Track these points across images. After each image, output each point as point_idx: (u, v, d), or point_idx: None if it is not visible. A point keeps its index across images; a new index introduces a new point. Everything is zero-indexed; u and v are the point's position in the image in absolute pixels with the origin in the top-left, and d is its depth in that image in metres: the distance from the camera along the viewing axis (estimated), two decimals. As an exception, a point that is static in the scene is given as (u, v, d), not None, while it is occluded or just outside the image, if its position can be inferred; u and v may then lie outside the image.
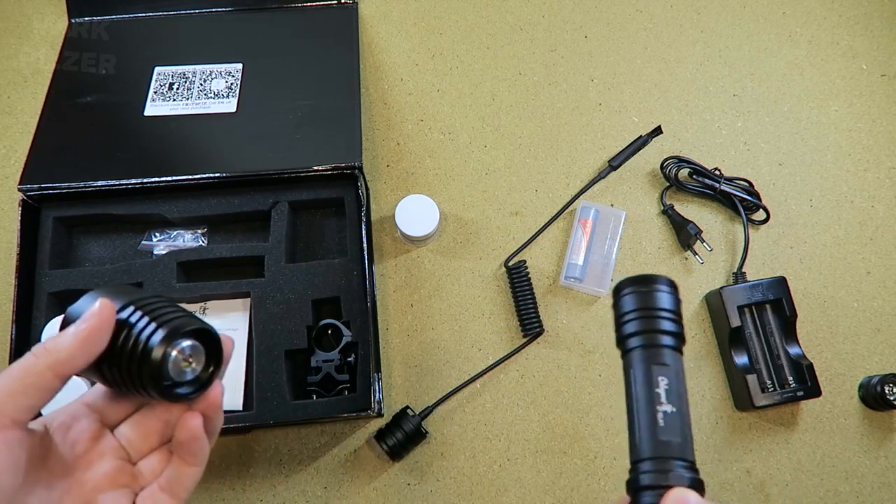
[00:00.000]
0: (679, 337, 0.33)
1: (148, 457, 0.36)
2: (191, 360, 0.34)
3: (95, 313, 0.31)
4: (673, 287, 0.33)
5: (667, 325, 0.32)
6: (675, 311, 0.33)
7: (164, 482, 0.35)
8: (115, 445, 0.35)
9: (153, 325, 0.33)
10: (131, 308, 0.33)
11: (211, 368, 0.36)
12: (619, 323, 0.33)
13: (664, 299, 0.33)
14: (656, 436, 0.30)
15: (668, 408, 0.31)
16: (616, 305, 0.34)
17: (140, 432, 0.35)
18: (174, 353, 0.33)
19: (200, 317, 0.36)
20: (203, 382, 0.36)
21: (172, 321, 0.33)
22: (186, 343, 0.34)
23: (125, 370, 0.33)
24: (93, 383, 0.35)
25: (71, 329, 0.31)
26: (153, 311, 0.34)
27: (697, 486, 0.29)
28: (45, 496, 0.31)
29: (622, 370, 0.33)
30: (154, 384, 0.33)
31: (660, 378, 0.31)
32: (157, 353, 0.32)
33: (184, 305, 0.36)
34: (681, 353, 0.33)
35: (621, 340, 0.33)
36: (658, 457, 0.30)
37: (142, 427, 0.36)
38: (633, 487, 0.30)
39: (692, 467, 0.30)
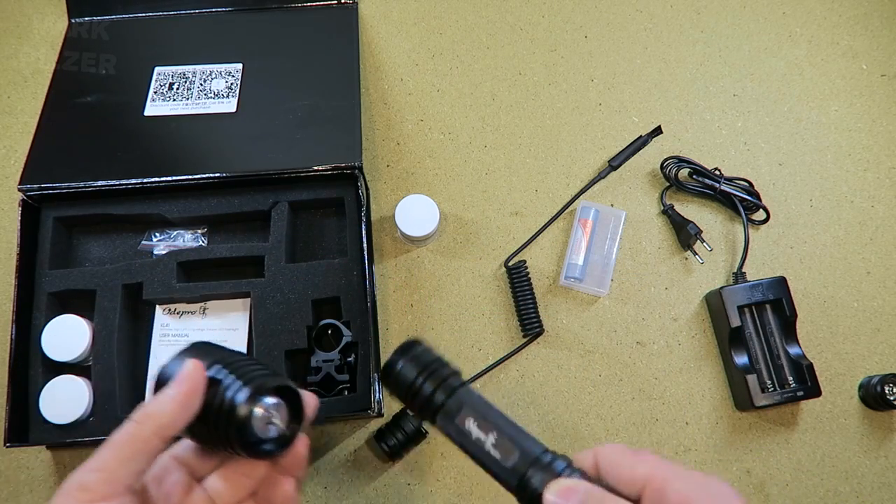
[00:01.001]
0: (454, 375, 0.35)
1: None
2: (274, 416, 0.35)
3: (189, 375, 0.33)
4: (419, 343, 0.36)
5: (443, 372, 0.34)
6: (436, 359, 0.35)
7: None
8: (205, 498, 0.36)
9: (239, 384, 0.34)
10: (218, 366, 0.35)
11: (294, 425, 0.36)
12: (409, 400, 0.35)
13: (424, 357, 0.35)
14: (505, 464, 0.32)
15: (492, 438, 0.32)
16: (396, 387, 0.35)
17: (228, 486, 0.36)
18: (258, 410, 0.34)
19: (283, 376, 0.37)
20: (286, 439, 0.36)
21: (256, 379, 0.34)
22: (270, 400, 0.35)
23: (212, 427, 0.34)
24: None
25: (169, 392, 0.33)
26: (238, 370, 0.35)
27: (566, 466, 0.31)
28: None
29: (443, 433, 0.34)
30: (240, 441, 0.34)
31: (467, 422, 0.33)
32: (242, 410, 0.33)
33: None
34: (464, 384, 0.34)
35: (422, 413, 0.35)
36: (523, 471, 0.31)
37: (229, 481, 0.36)
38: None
39: (545, 453, 0.32)
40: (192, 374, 0.33)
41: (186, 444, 0.37)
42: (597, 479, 0.31)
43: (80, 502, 0.29)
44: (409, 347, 0.35)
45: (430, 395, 0.34)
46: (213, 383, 0.34)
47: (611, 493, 0.30)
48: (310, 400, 0.38)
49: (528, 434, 0.33)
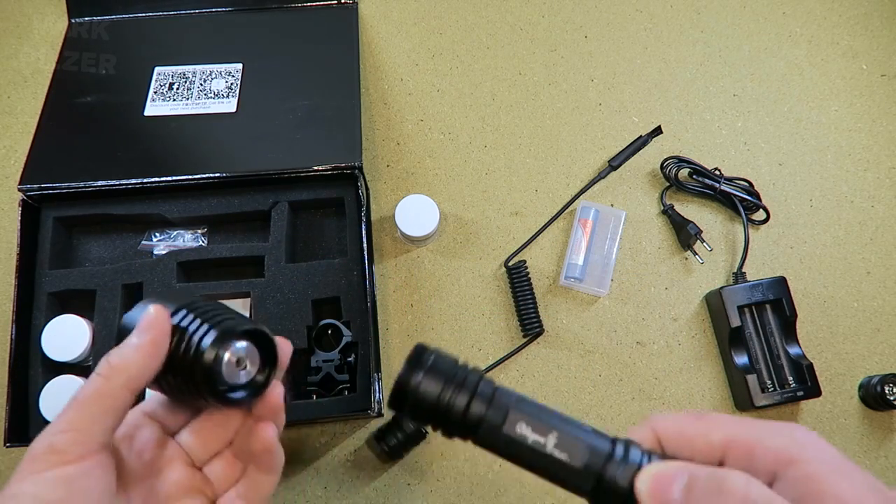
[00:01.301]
0: (483, 379, 0.30)
1: (212, 462, 0.35)
2: (245, 362, 0.33)
3: (153, 322, 0.31)
4: (427, 350, 0.30)
5: (471, 378, 0.29)
6: (454, 363, 0.30)
7: (241, 489, 0.35)
8: (180, 452, 0.34)
9: (205, 327, 0.32)
10: (183, 312, 0.33)
11: (266, 371, 0.35)
12: (437, 420, 0.29)
13: (441, 366, 0.29)
14: (574, 464, 0.27)
15: (552, 438, 0.28)
16: (417, 409, 0.29)
17: (201, 438, 0.35)
18: (227, 355, 0.32)
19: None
20: (259, 386, 0.34)
21: (223, 322, 0.32)
22: (240, 344, 0.33)
23: (180, 376, 0.32)
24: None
25: (133, 341, 0.31)
26: (205, 314, 0.33)
27: (642, 453, 0.27)
28: None
29: (481, 446, 0.29)
30: (209, 388, 0.32)
31: (518, 427, 0.28)
32: (209, 355, 0.31)
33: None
34: (494, 382, 0.30)
35: (454, 432, 0.29)
36: (599, 469, 0.27)
37: (203, 433, 0.35)
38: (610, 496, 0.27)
39: (613, 442, 0.28)
40: (156, 319, 0.31)
41: (156, 398, 0.35)
42: (672, 457, 0.27)
43: (53, 465, 0.27)
44: (419, 357, 0.30)
45: (466, 410, 0.29)
46: (177, 330, 0.32)
47: (712, 467, 0.25)
48: (284, 346, 0.36)
49: (585, 425, 0.28)
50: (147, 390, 0.36)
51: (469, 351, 0.64)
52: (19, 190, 0.61)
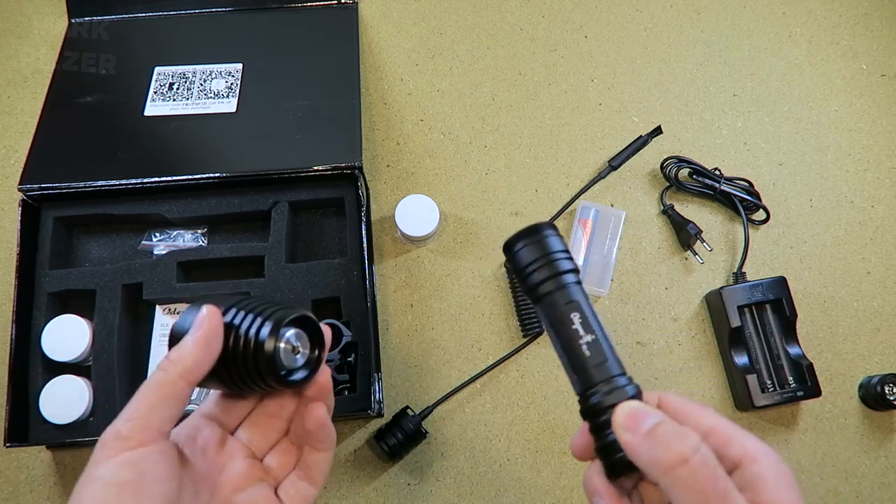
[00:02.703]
0: (576, 271, 0.35)
1: (271, 453, 0.38)
2: (298, 346, 0.36)
3: (206, 318, 0.34)
4: (555, 229, 0.36)
5: (564, 265, 0.35)
6: (564, 249, 0.35)
7: (300, 472, 0.38)
8: (241, 446, 0.37)
9: (259, 321, 0.34)
10: (234, 310, 0.35)
11: (317, 350, 0.38)
12: (523, 277, 0.35)
13: (553, 243, 0.35)
14: (587, 366, 0.33)
15: (588, 337, 0.33)
16: (513, 261, 0.36)
17: (258, 431, 0.38)
18: (283, 343, 0.35)
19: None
20: (313, 364, 0.38)
21: (274, 314, 0.35)
22: (291, 332, 0.36)
23: (241, 368, 0.34)
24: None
25: (188, 338, 0.33)
26: (254, 309, 0.35)
27: (636, 393, 0.33)
28: (193, 501, 0.33)
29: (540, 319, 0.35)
30: (272, 374, 0.34)
31: (572, 315, 0.34)
32: (268, 345, 0.34)
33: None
34: (580, 283, 0.35)
35: (530, 292, 0.35)
36: (599, 381, 0.33)
37: (259, 426, 0.38)
38: (588, 413, 0.33)
39: (623, 375, 0.33)
40: (209, 317, 0.34)
41: (212, 402, 0.38)
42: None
43: (119, 451, 0.30)
44: (535, 232, 0.36)
45: (534, 287, 0.34)
46: (232, 327, 0.35)
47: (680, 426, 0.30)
48: (325, 330, 0.39)
49: (615, 351, 0.34)
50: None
51: (469, 351, 0.64)
52: (19, 190, 0.61)
